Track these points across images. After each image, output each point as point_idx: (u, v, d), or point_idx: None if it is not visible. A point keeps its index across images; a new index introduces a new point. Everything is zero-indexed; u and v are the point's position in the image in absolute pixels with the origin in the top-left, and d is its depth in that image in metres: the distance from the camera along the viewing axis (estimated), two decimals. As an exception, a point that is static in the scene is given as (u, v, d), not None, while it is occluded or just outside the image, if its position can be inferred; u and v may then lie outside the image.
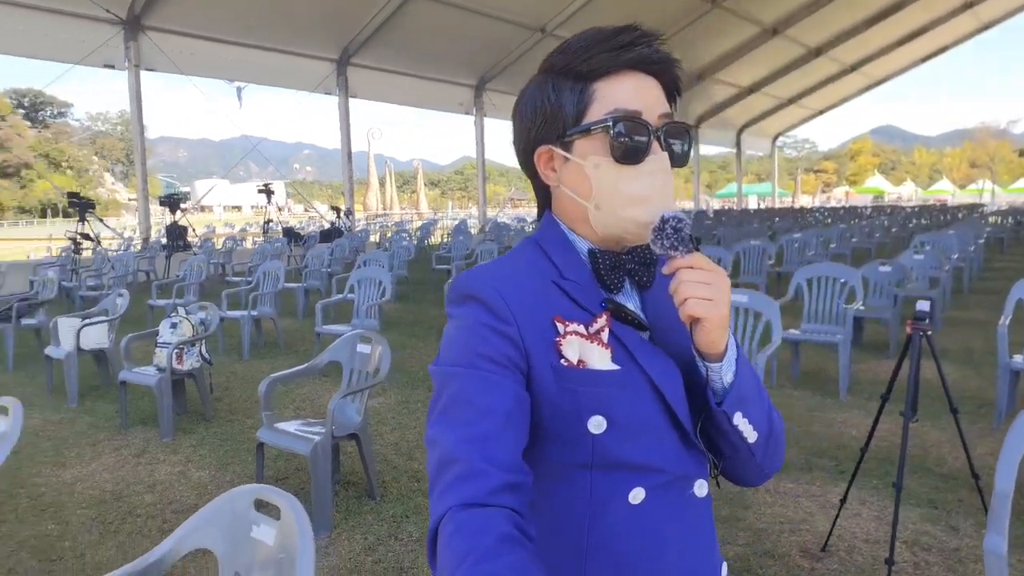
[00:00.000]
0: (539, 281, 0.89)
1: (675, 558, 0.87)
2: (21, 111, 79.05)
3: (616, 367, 0.85)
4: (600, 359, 0.85)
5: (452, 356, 0.84)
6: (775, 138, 37.16)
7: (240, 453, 4.12)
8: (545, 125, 0.91)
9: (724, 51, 23.60)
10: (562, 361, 0.84)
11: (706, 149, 37.77)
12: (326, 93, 17.11)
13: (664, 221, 0.80)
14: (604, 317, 0.86)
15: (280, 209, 19.01)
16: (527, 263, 0.92)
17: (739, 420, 0.85)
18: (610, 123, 0.85)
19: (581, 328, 0.85)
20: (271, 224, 14.75)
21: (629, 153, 0.85)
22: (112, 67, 13.34)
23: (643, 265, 0.88)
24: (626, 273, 0.91)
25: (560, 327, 0.85)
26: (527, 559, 0.66)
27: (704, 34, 20.83)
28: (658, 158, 0.85)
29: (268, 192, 14.09)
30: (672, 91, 0.91)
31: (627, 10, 14.34)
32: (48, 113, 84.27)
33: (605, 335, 0.86)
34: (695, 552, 0.90)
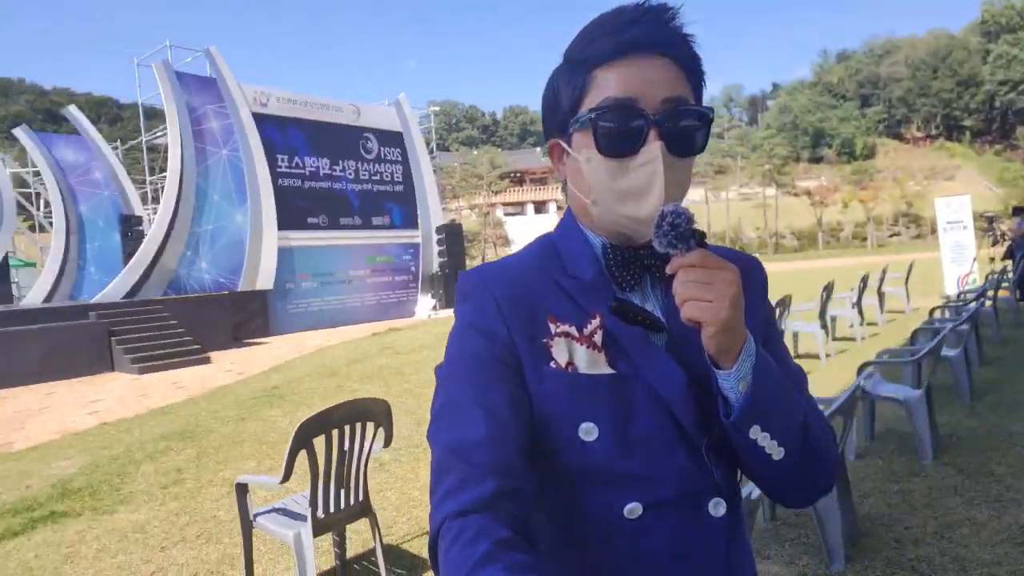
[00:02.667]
0: (541, 279, 0.87)
1: None
2: None
3: (610, 371, 0.82)
4: (590, 362, 0.82)
5: (447, 357, 0.86)
6: None
7: None
8: (551, 117, 0.90)
9: None
10: (551, 363, 0.83)
11: None
12: None
13: (662, 217, 0.76)
14: (598, 318, 0.84)
15: None
16: (534, 260, 0.91)
17: (757, 434, 0.79)
18: (591, 115, 0.82)
19: (572, 329, 0.83)
20: None
21: (616, 145, 0.81)
22: None
23: (664, 260, 0.80)
24: (646, 269, 0.87)
25: (552, 327, 0.84)
26: (523, 564, 0.68)
27: None
28: (650, 148, 0.80)
29: None
30: (692, 71, 0.84)
31: None
32: None
33: (598, 337, 0.83)
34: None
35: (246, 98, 16.53)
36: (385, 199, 19.75)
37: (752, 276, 0.92)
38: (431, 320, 17.95)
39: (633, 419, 0.82)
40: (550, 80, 0.89)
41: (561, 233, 0.93)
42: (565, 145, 0.88)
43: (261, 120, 16.67)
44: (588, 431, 0.81)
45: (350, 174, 18.87)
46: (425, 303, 19.96)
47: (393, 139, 20.10)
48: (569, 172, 0.90)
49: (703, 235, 0.76)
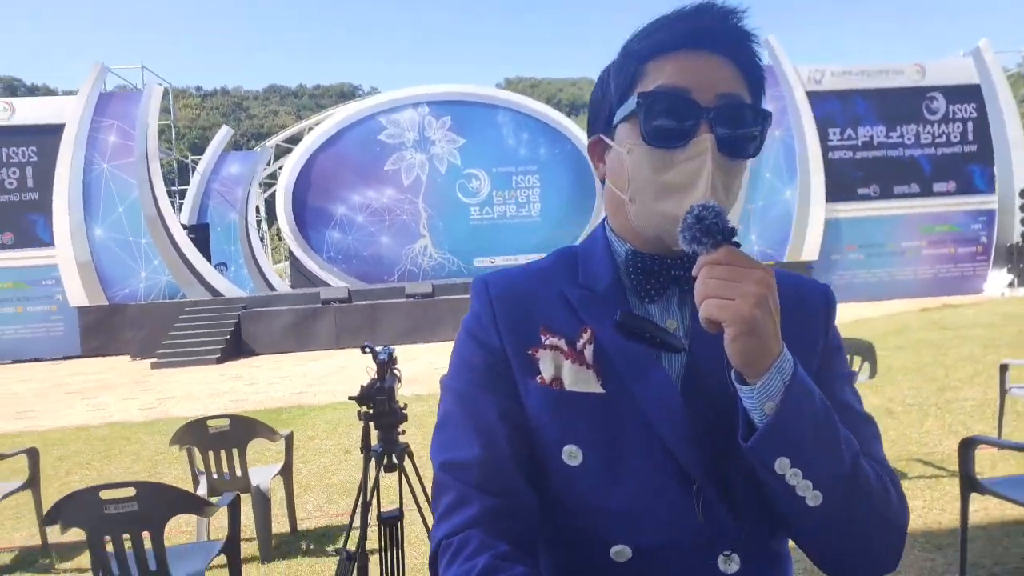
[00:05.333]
0: (546, 288, 0.86)
1: None
2: None
3: (600, 391, 0.78)
4: (577, 379, 0.79)
5: (450, 366, 0.87)
6: None
7: None
8: (597, 113, 0.88)
9: None
10: (537, 377, 0.81)
11: None
12: None
13: (689, 210, 0.70)
14: (589, 331, 0.80)
15: None
16: (546, 268, 0.89)
17: (785, 469, 0.69)
18: (640, 99, 0.78)
19: (562, 343, 0.80)
20: None
21: (663, 134, 0.76)
22: None
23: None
24: (673, 282, 0.82)
25: (543, 339, 0.82)
26: None
27: None
28: (700, 141, 0.75)
29: None
30: (751, 74, 0.80)
31: None
32: None
33: (589, 352, 0.79)
34: None
35: (800, 79, 18.01)
36: (952, 162, 18.43)
37: (810, 304, 0.88)
38: (1003, 299, 16.21)
39: (621, 448, 0.77)
40: (601, 75, 0.87)
41: (586, 242, 0.91)
42: (608, 140, 0.85)
43: (815, 97, 17.95)
44: (572, 454, 0.78)
45: (909, 139, 18.38)
46: (998, 278, 17.86)
47: (966, 94, 18.46)
48: (608, 170, 0.86)
49: (734, 232, 0.70)
